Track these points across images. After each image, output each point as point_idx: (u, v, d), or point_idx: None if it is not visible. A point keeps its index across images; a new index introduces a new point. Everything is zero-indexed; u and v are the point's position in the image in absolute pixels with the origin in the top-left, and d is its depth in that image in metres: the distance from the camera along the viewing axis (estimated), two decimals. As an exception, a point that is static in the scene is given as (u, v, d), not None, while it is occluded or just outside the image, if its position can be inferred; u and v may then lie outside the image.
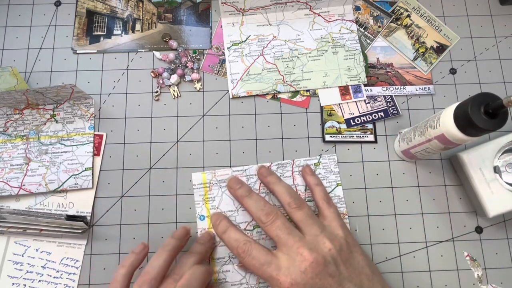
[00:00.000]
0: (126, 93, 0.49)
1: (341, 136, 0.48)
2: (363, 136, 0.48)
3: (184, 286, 0.36)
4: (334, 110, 0.49)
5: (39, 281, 0.44)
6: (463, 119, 0.34)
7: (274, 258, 0.38)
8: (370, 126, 0.49)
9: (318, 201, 0.43)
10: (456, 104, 0.36)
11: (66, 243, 0.45)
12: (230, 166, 0.47)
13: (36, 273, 0.44)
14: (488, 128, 0.33)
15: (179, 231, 0.42)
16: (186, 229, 0.43)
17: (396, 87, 0.50)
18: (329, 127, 0.48)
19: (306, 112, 0.49)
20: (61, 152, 0.46)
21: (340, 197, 0.46)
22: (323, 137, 0.48)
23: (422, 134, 0.40)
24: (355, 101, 0.50)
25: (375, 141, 0.48)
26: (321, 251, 0.37)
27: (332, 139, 0.48)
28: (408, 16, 0.53)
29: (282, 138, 0.48)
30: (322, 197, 0.43)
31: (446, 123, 0.36)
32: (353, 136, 0.48)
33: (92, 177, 0.46)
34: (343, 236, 0.40)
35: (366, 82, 0.50)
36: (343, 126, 0.49)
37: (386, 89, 0.50)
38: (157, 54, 0.51)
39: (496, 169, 0.44)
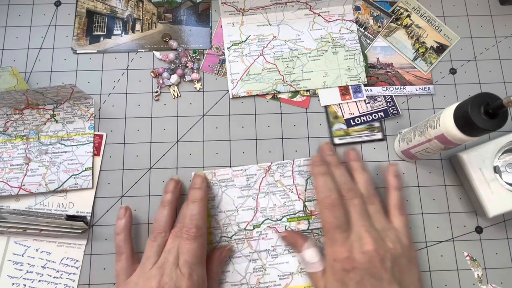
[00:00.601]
0: (126, 93, 0.49)
1: (350, 138, 0.48)
2: (371, 135, 0.48)
3: (191, 227, 0.39)
4: (337, 113, 0.49)
5: (39, 281, 0.44)
6: (463, 119, 0.34)
7: (347, 229, 0.39)
8: (377, 124, 0.49)
9: (391, 206, 0.43)
10: (456, 104, 0.36)
11: (66, 243, 0.45)
12: (230, 166, 0.47)
13: (36, 273, 0.44)
14: (488, 128, 0.33)
15: (169, 185, 0.44)
16: (175, 180, 0.44)
17: (396, 87, 0.50)
18: (336, 130, 0.48)
19: (306, 112, 0.49)
20: (61, 152, 0.46)
21: None
22: (332, 141, 0.48)
23: (422, 134, 0.40)
24: (355, 101, 0.50)
25: (384, 139, 0.48)
26: (383, 245, 0.38)
27: (342, 141, 0.48)
28: (408, 16, 0.53)
29: (282, 138, 0.48)
30: (396, 204, 0.42)
31: (446, 123, 0.36)
32: (362, 136, 0.48)
33: (92, 177, 0.46)
34: (407, 245, 0.40)
35: (366, 82, 0.50)
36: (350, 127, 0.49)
37: (386, 89, 0.50)
38: (157, 54, 0.51)
39: (496, 169, 0.44)
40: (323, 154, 0.45)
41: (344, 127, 0.49)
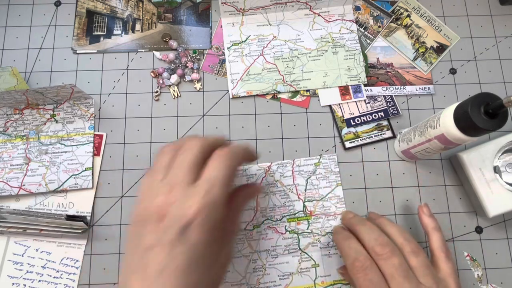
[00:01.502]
0: (126, 93, 0.49)
1: (360, 140, 0.48)
2: (381, 134, 0.48)
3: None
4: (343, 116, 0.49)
5: (39, 281, 0.44)
6: (463, 119, 0.34)
7: None
8: (384, 122, 0.49)
9: (435, 250, 0.39)
10: (456, 104, 0.36)
11: (66, 243, 0.45)
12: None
13: (36, 273, 0.44)
14: (488, 128, 0.33)
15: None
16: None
17: (396, 87, 0.50)
18: (346, 133, 0.48)
19: (306, 112, 0.49)
20: (61, 152, 0.46)
21: (340, 197, 0.46)
22: (344, 145, 0.48)
23: (422, 134, 0.40)
24: (355, 101, 0.50)
25: (395, 136, 0.48)
26: None
27: (353, 144, 0.48)
28: (408, 16, 0.53)
29: (282, 138, 0.48)
30: (441, 247, 0.38)
31: (446, 123, 0.36)
32: (372, 137, 0.48)
33: (92, 177, 0.46)
34: None
35: (366, 82, 0.50)
36: (359, 129, 0.49)
37: (386, 89, 0.50)
38: (157, 54, 0.51)
39: (496, 169, 0.44)
40: (344, 221, 0.42)
41: (354, 130, 0.49)
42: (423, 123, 0.41)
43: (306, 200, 0.46)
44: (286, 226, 0.45)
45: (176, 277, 0.28)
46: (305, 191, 0.46)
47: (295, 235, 0.45)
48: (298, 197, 0.46)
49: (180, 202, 0.29)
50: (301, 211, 0.46)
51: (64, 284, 0.43)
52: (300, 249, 0.45)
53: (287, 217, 0.45)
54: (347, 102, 0.50)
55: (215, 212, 0.30)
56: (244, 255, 0.44)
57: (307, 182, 0.47)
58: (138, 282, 0.28)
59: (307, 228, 0.45)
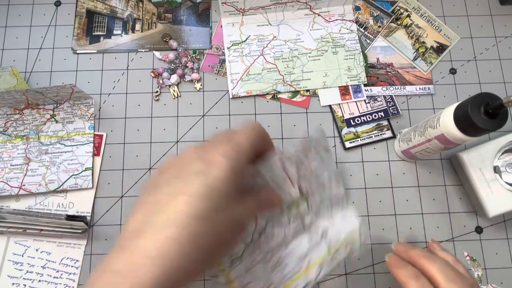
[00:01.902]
0: (126, 93, 0.49)
1: (360, 140, 0.48)
2: (381, 134, 0.48)
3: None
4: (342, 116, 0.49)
5: (39, 281, 0.44)
6: (463, 119, 0.34)
7: None
8: (385, 122, 0.49)
9: None
10: (456, 104, 0.36)
11: (66, 243, 0.45)
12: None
13: (36, 273, 0.44)
14: (488, 128, 0.33)
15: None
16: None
17: (396, 87, 0.50)
18: (346, 133, 0.48)
19: (306, 112, 0.49)
20: (61, 152, 0.46)
21: None
22: (344, 145, 0.48)
23: (422, 134, 0.40)
24: (355, 101, 0.50)
25: (395, 136, 0.48)
26: None
27: (353, 144, 0.48)
28: (408, 16, 0.53)
29: (282, 138, 0.48)
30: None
31: (446, 123, 0.36)
32: (372, 137, 0.48)
33: (92, 177, 0.46)
34: None
35: (366, 82, 0.50)
36: (359, 129, 0.49)
37: (386, 89, 0.50)
38: (157, 54, 0.51)
39: (496, 169, 0.44)
40: (401, 253, 0.38)
41: (354, 130, 0.49)
42: (423, 123, 0.41)
43: (300, 180, 0.45)
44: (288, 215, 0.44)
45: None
46: (297, 173, 0.46)
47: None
48: (292, 184, 0.46)
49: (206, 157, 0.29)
50: (298, 196, 0.45)
51: (64, 284, 0.43)
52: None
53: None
54: (347, 102, 0.50)
55: (238, 166, 0.30)
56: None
57: (298, 169, 0.46)
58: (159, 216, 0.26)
59: (308, 209, 0.44)
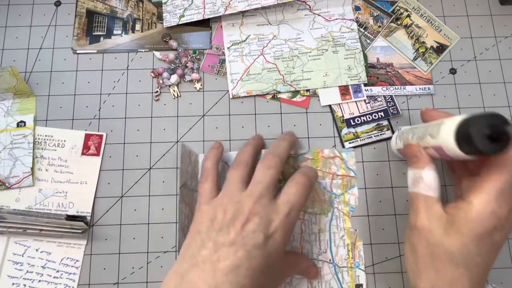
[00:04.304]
0: (126, 93, 0.49)
1: (360, 140, 0.48)
2: (381, 134, 0.48)
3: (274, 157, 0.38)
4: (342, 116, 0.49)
5: (39, 281, 0.44)
6: (464, 138, 0.32)
7: None
8: (385, 122, 0.49)
9: None
10: (459, 118, 0.33)
11: (66, 243, 0.45)
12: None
13: (36, 273, 0.44)
14: (490, 152, 0.31)
15: (255, 138, 0.45)
16: (259, 136, 0.45)
17: (396, 87, 0.50)
18: (346, 134, 0.48)
19: (306, 112, 0.49)
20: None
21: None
22: (343, 146, 0.48)
23: (421, 139, 0.39)
24: (355, 101, 0.50)
25: None
26: None
27: (352, 145, 0.48)
28: (408, 16, 0.53)
29: (282, 138, 0.48)
30: None
31: (446, 138, 0.33)
32: (372, 137, 0.48)
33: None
34: None
35: (366, 82, 0.50)
36: (359, 129, 0.49)
37: (386, 89, 0.50)
38: (157, 54, 0.51)
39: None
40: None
41: (354, 130, 0.49)
42: (422, 128, 0.39)
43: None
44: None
45: (247, 276, 0.31)
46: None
47: None
48: None
49: (265, 213, 0.34)
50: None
51: (64, 284, 0.43)
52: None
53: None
54: (347, 102, 0.50)
55: (290, 231, 0.35)
56: None
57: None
58: (204, 273, 0.31)
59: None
